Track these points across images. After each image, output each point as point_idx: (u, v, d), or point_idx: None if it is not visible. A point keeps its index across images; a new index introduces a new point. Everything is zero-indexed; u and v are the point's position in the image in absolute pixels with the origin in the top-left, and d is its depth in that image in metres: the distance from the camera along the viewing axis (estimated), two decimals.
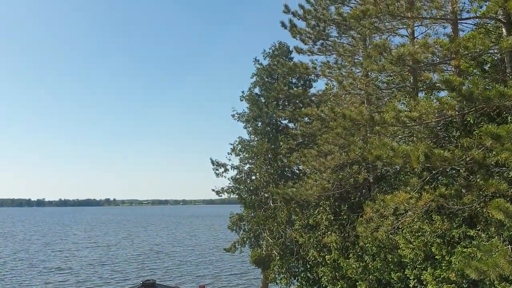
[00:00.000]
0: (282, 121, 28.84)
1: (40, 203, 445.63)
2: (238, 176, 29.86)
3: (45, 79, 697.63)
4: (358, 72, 20.02)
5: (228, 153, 30.37)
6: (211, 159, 30.11)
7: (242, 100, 30.04)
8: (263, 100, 28.77)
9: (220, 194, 30.21)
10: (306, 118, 22.52)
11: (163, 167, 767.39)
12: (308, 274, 23.42)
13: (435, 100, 13.89)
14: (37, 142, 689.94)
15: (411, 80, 17.24)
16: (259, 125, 29.11)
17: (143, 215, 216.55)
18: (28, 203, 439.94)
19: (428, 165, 11.35)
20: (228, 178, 29.83)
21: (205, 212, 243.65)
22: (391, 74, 16.81)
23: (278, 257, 25.01)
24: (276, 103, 27.96)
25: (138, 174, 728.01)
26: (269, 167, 27.27)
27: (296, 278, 24.58)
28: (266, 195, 27.86)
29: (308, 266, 23.09)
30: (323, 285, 21.39)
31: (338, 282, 19.62)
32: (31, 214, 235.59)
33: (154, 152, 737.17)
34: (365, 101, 19.01)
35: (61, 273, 42.63)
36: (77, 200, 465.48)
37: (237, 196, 29.41)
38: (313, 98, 23.86)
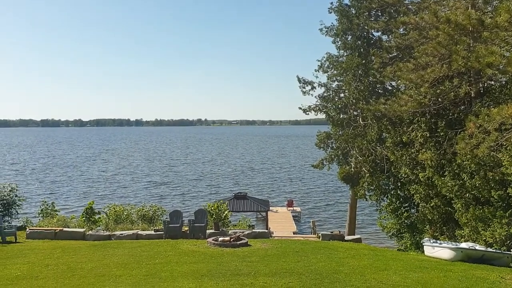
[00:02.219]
0: (374, 34, 27.03)
1: (138, 122, 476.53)
2: (325, 94, 29.13)
3: None
4: None
5: (315, 70, 29.47)
6: (297, 76, 29.47)
7: (330, 12, 28.32)
8: (353, 11, 26.92)
9: (307, 113, 29.77)
10: (402, 29, 20.91)
11: (251, 88, 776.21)
12: (399, 192, 23.05)
13: None
14: (139, 68, 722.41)
15: None
16: (349, 39, 27.55)
17: (233, 134, 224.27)
18: (127, 122, 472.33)
19: None
20: (315, 96, 29.26)
21: (291, 132, 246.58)
22: None
23: (368, 174, 24.74)
24: (368, 14, 26.09)
25: (228, 95, 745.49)
26: (359, 83, 26.17)
27: (386, 195, 24.35)
28: (355, 113, 27.08)
29: (399, 184, 22.65)
30: (415, 203, 21.00)
31: (432, 200, 19.10)
32: (131, 132, 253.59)
33: (244, 73, 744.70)
34: (470, 7, 17.07)
35: (162, 186, 46.07)
36: (172, 120, 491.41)
37: (324, 115, 28.92)
38: (410, 6, 21.93)
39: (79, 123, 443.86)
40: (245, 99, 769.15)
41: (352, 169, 26.62)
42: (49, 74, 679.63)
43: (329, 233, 19.54)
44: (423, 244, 16.36)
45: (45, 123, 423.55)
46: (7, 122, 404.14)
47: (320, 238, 18.75)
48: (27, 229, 19.36)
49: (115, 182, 49.14)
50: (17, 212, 23.82)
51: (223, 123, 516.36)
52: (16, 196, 23.93)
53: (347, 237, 19.56)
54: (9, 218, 22.33)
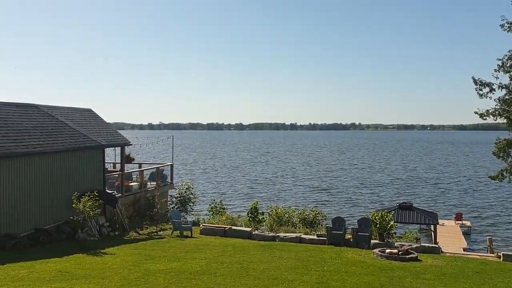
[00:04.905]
0: None
1: (293, 126, 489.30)
2: (507, 97, 25.90)
3: None
4: None
5: (495, 70, 26.36)
6: (473, 78, 26.69)
7: None
8: None
9: (484, 117, 26.82)
10: None
11: (408, 90, 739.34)
12: None
13: None
14: (296, 72, 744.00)
15: None
16: None
17: (390, 139, 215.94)
18: (283, 126, 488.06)
19: None
20: (494, 100, 26.19)
21: (457, 139, 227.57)
22: None
23: None
24: None
25: (383, 98, 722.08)
26: None
27: None
28: None
29: None
30: None
31: None
32: (287, 136, 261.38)
33: (401, 75, 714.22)
34: None
35: (321, 191, 46.15)
36: (325, 124, 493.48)
37: (505, 120, 25.71)
38: None
39: (239, 127, 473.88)
40: (402, 102, 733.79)
41: None
42: (211, 80, 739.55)
43: None
44: None
45: (211, 127, 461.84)
46: (178, 125, 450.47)
47: (501, 258, 16.63)
48: (201, 225, 20.92)
49: (276, 184, 50.80)
50: (192, 208, 26.04)
51: (378, 127, 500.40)
52: (191, 194, 26.18)
53: None
54: (185, 214, 24.45)
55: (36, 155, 16.28)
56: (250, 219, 22.33)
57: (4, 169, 14.79)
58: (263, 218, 22.31)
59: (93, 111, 24.71)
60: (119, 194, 21.42)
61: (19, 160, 15.46)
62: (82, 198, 16.86)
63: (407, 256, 14.92)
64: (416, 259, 14.94)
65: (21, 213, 15.49)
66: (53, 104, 21.66)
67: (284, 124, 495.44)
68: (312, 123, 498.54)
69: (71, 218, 16.85)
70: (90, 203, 16.65)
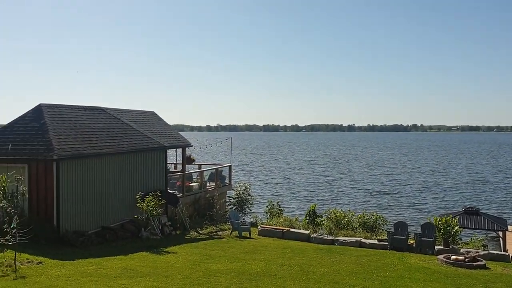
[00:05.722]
0: None
1: (350, 128, 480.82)
2: None
3: None
4: None
5: None
6: None
7: None
8: None
9: None
10: None
11: (474, 89, 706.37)
12: None
13: None
14: (362, 72, 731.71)
15: None
16: None
17: (454, 141, 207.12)
18: (340, 128, 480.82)
19: None
20: None
21: None
22: None
23: None
24: None
25: (447, 98, 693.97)
26: None
27: None
28: None
29: None
30: None
31: None
32: (344, 138, 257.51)
33: (467, 71, 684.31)
34: None
35: (382, 195, 44.99)
36: (385, 126, 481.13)
37: None
38: None
39: (295, 128, 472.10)
40: (466, 102, 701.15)
41: None
42: (269, 83, 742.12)
43: None
44: None
45: (266, 128, 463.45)
46: (235, 127, 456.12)
47: None
48: (259, 227, 21.03)
49: (334, 187, 50.14)
50: (249, 209, 26.25)
51: (441, 128, 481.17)
52: (249, 195, 26.41)
53: None
54: (242, 215, 24.68)
55: (103, 156, 17.03)
56: (308, 221, 22.20)
57: (73, 170, 15.59)
58: (322, 221, 22.11)
59: (155, 114, 25.52)
60: (180, 194, 21.97)
61: (87, 161, 16.24)
62: (145, 197, 17.44)
63: (474, 264, 14.26)
64: (484, 267, 14.25)
65: (89, 212, 16.26)
66: (118, 107, 22.60)
67: (341, 125, 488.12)
68: (371, 124, 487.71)
69: (135, 217, 17.47)
70: (153, 203, 17.19)
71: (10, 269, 10.30)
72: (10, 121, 16.82)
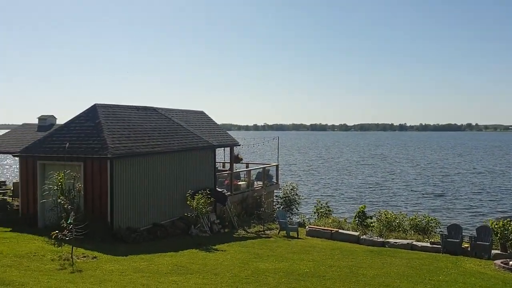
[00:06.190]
0: None
1: (402, 127, 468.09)
2: None
3: None
4: None
5: None
6: None
7: None
8: None
9: None
10: None
11: None
12: None
13: None
14: (413, 70, 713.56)
15: None
16: None
17: (511, 141, 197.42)
18: (390, 127, 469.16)
19: None
20: None
21: None
22: None
23: None
24: None
25: (501, 96, 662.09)
26: None
27: None
28: None
29: None
30: None
31: None
32: (395, 137, 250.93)
33: None
34: None
35: (435, 197, 43.52)
36: (438, 125, 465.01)
37: None
38: None
39: (344, 128, 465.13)
40: None
41: None
42: (314, 81, 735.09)
43: None
44: None
45: (314, 127, 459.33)
46: (282, 126, 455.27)
47: None
48: (307, 227, 20.90)
49: (384, 188, 49.01)
50: (297, 209, 26.13)
51: (497, 128, 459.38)
52: (296, 194, 26.29)
53: None
54: (290, 215, 24.60)
55: (155, 155, 17.46)
56: (358, 223, 21.83)
57: (127, 168, 16.08)
58: (372, 222, 21.69)
59: (205, 113, 25.91)
60: (228, 193, 22.20)
61: (140, 160, 16.70)
62: (195, 195, 17.74)
63: None
64: None
65: (141, 209, 16.72)
66: (169, 107, 23.11)
67: (392, 124, 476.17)
68: (423, 124, 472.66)
69: (185, 214, 17.80)
70: (202, 201, 17.45)
71: (67, 263, 10.76)
72: (66, 120, 17.61)
